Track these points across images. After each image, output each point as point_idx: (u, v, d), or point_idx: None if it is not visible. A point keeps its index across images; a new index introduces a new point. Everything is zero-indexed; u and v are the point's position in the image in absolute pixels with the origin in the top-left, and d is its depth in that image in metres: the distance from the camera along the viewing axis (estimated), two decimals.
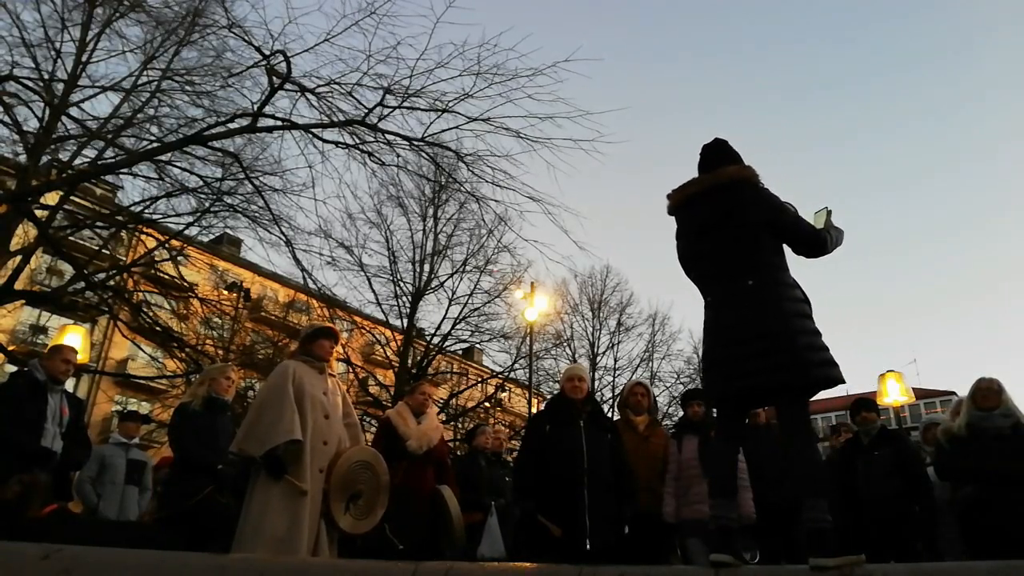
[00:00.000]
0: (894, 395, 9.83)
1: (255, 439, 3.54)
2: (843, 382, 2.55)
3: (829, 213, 2.89)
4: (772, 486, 4.18)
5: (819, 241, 2.78)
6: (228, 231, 12.02)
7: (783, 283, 2.68)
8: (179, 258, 10.43)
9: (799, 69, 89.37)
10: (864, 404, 5.10)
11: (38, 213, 8.88)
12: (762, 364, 2.50)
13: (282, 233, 8.53)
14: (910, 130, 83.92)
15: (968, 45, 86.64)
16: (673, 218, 3.04)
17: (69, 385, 4.56)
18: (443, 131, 7.35)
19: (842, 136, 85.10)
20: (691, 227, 2.91)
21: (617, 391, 19.21)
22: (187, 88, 9.00)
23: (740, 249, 2.71)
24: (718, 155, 2.96)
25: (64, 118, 9.06)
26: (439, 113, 7.20)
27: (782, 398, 2.57)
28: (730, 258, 2.73)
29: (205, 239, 11.93)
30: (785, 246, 2.80)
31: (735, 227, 2.73)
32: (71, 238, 10.50)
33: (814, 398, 2.75)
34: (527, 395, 17.15)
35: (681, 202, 2.96)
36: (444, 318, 17.35)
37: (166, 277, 11.02)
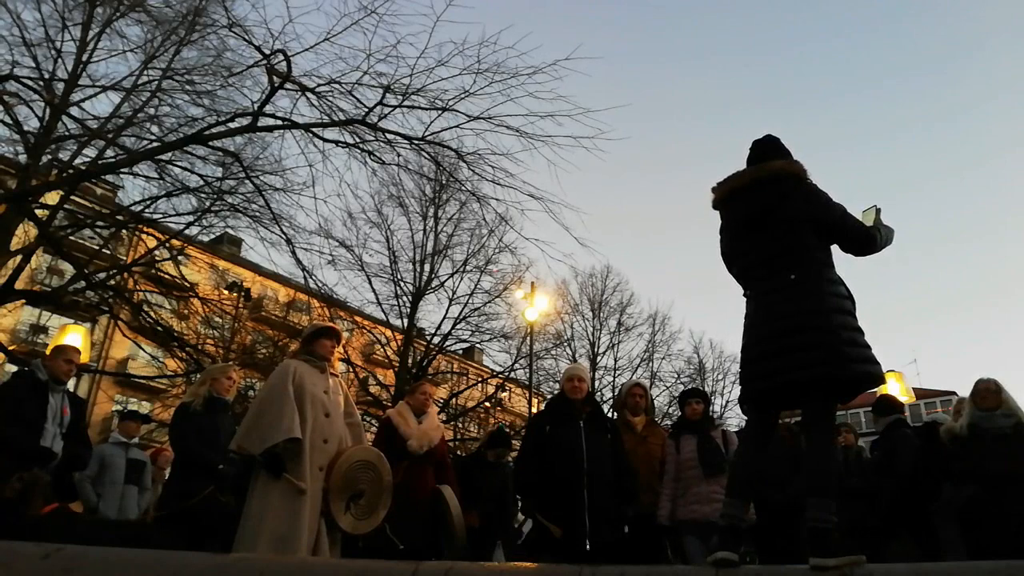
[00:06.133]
0: (894, 395, 9.82)
1: (255, 437, 3.55)
2: (883, 381, 2.49)
3: (878, 211, 2.86)
4: (774, 487, 4.17)
5: (867, 239, 2.73)
6: (229, 231, 11.98)
7: (826, 279, 2.63)
8: (179, 258, 10.41)
9: (804, 72, 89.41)
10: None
11: (38, 213, 8.86)
12: (801, 359, 2.45)
13: (283, 232, 8.51)
14: (915, 134, 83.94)
15: (967, 54, 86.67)
16: (717, 213, 2.97)
17: (69, 385, 4.56)
18: (443, 130, 7.33)
19: (846, 139, 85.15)
20: (734, 222, 2.86)
21: (617, 391, 19.19)
22: (187, 87, 8.98)
23: (782, 244, 2.66)
24: (767, 150, 2.91)
25: (64, 118, 9.04)
26: (439, 112, 7.19)
27: (816, 394, 2.49)
28: (772, 253, 2.68)
29: (205, 239, 11.89)
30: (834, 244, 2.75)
31: (777, 222, 2.68)
32: (71, 238, 10.46)
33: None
34: (527, 395, 17.15)
35: (724, 196, 2.91)
36: (444, 318, 17.38)
37: (166, 277, 10.99)
